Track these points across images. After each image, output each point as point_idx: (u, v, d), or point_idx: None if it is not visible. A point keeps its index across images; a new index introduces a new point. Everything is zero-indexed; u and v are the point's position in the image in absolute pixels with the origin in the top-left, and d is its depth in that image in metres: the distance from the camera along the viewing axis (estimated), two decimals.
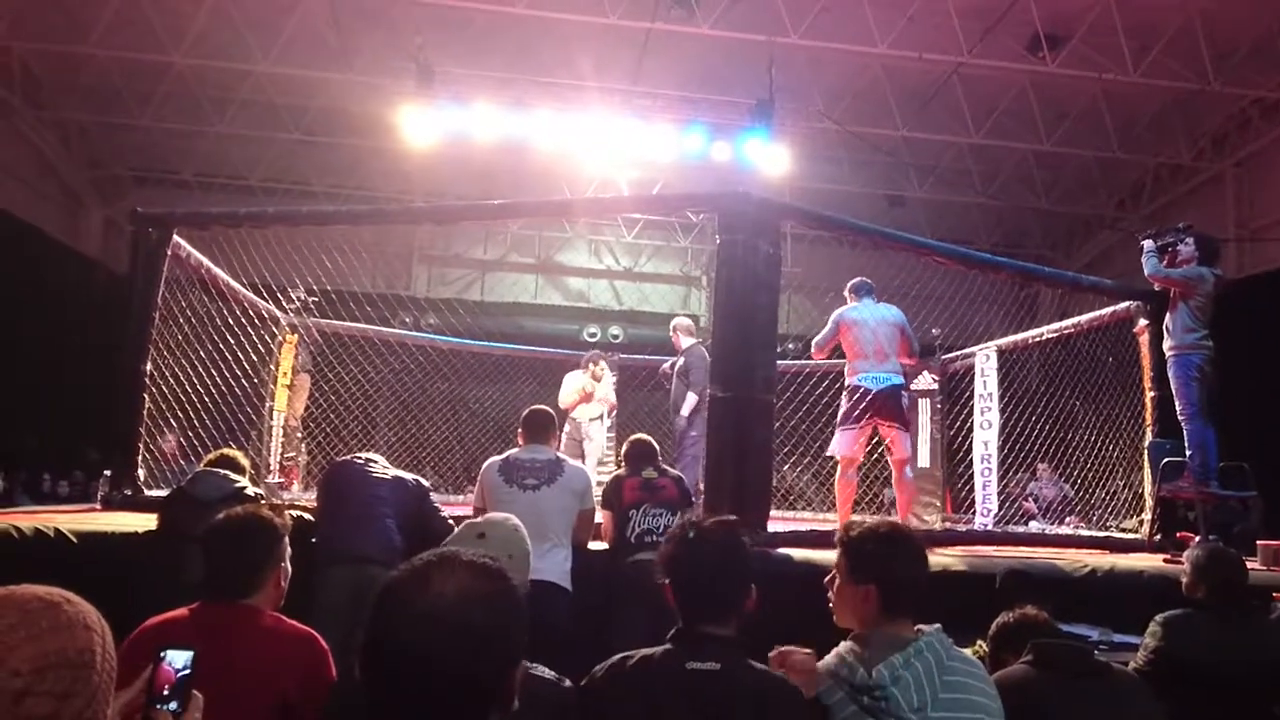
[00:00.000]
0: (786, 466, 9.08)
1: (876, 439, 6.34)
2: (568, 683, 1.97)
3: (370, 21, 11.15)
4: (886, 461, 6.52)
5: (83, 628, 1.16)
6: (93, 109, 12.96)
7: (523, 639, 1.26)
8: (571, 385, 9.04)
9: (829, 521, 7.37)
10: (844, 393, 6.21)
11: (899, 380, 6.10)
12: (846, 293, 6.48)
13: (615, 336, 15.33)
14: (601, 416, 9.14)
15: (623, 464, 4.81)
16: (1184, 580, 3.41)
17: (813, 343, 6.37)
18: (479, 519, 2.31)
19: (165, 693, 1.30)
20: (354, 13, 10.98)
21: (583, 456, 8.82)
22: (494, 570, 1.25)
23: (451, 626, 1.14)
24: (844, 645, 2.09)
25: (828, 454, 6.41)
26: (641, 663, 1.94)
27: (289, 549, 2.52)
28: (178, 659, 1.33)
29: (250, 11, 10.92)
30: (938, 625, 2.09)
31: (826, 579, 2.23)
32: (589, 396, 8.98)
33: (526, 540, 2.25)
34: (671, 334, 8.09)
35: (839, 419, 6.16)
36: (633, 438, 4.91)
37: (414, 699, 1.14)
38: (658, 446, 4.92)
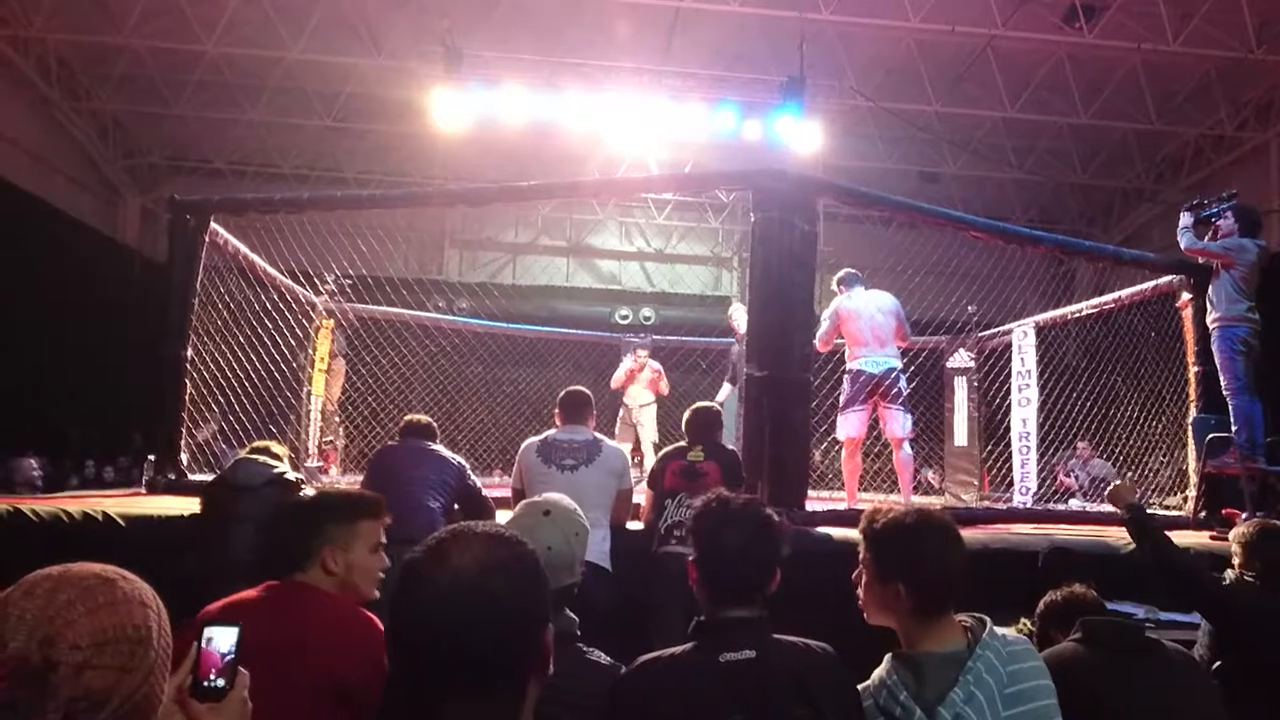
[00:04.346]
0: (822, 447, 9.02)
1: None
2: (623, 668, 1.94)
3: (398, 6, 11.17)
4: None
5: (139, 604, 1.17)
6: (128, 99, 13.12)
7: (547, 604, 1.26)
8: (622, 367, 9.38)
9: (864, 501, 7.33)
10: (845, 378, 6.44)
11: (896, 364, 6.36)
12: (836, 285, 6.69)
13: (647, 318, 15.34)
14: (653, 404, 9.27)
15: (684, 431, 4.70)
16: (1234, 559, 3.34)
17: (816, 337, 6.49)
18: (539, 498, 2.29)
19: (212, 671, 1.31)
20: None
21: (638, 441, 9.02)
22: (510, 538, 1.26)
23: (475, 597, 1.15)
24: (889, 669, 1.90)
25: (834, 438, 6.61)
26: (670, 663, 1.85)
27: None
28: (224, 637, 1.33)
29: None
30: (987, 622, 1.92)
31: (854, 575, 2.08)
32: (633, 376, 9.17)
33: (586, 521, 2.25)
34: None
35: (842, 403, 6.41)
36: (695, 406, 4.75)
37: (449, 673, 1.14)
38: (721, 416, 4.77)
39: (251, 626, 1.96)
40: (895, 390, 6.28)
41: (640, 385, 9.24)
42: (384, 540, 2.57)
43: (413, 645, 1.17)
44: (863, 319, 6.32)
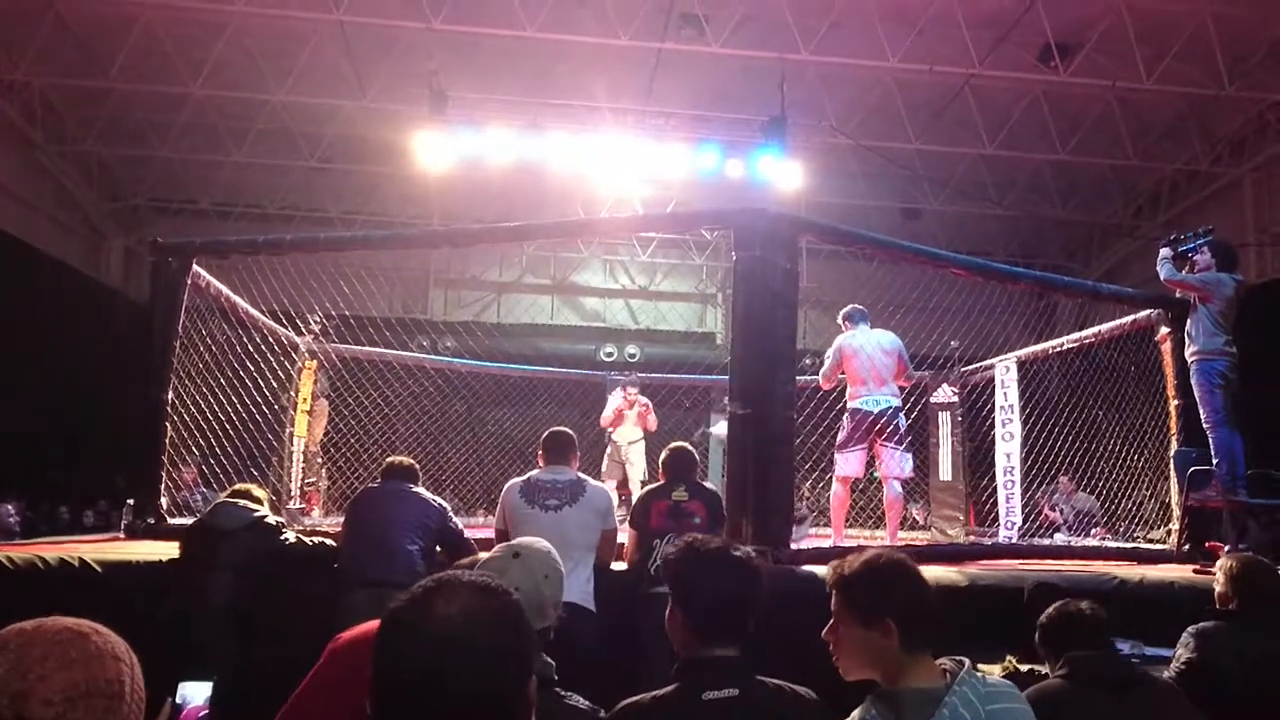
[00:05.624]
0: (807, 485, 9.01)
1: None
2: (602, 713, 1.94)
3: (383, 48, 11.26)
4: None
5: (112, 658, 1.16)
6: (113, 141, 13.14)
7: (532, 653, 1.25)
8: (609, 405, 9.34)
9: (851, 538, 7.34)
10: (845, 416, 6.49)
11: (896, 403, 6.43)
12: (841, 320, 6.73)
13: (632, 355, 15.34)
14: (641, 440, 9.19)
15: (660, 473, 4.73)
16: (1216, 590, 3.35)
17: (820, 374, 6.66)
18: (513, 541, 2.29)
19: None
20: (367, 40, 11.09)
21: (625, 479, 8.99)
22: (495, 588, 1.24)
23: (459, 649, 1.13)
24: (867, 706, 1.89)
25: (835, 476, 6.61)
26: (655, 702, 1.87)
27: None
28: (197, 692, 1.33)
29: (265, 42, 11.05)
30: (966, 662, 1.93)
31: (825, 632, 2.03)
32: (621, 414, 9.12)
33: (559, 561, 2.24)
34: None
35: (841, 441, 6.48)
36: (672, 445, 4.78)
37: None
38: (696, 456, 4.81)
39: None
40: (894, 429, 6.33)
41: (629, 423, 9.16)
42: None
43: (395, 697, 1.15)
44: (862, 357, 6.37)
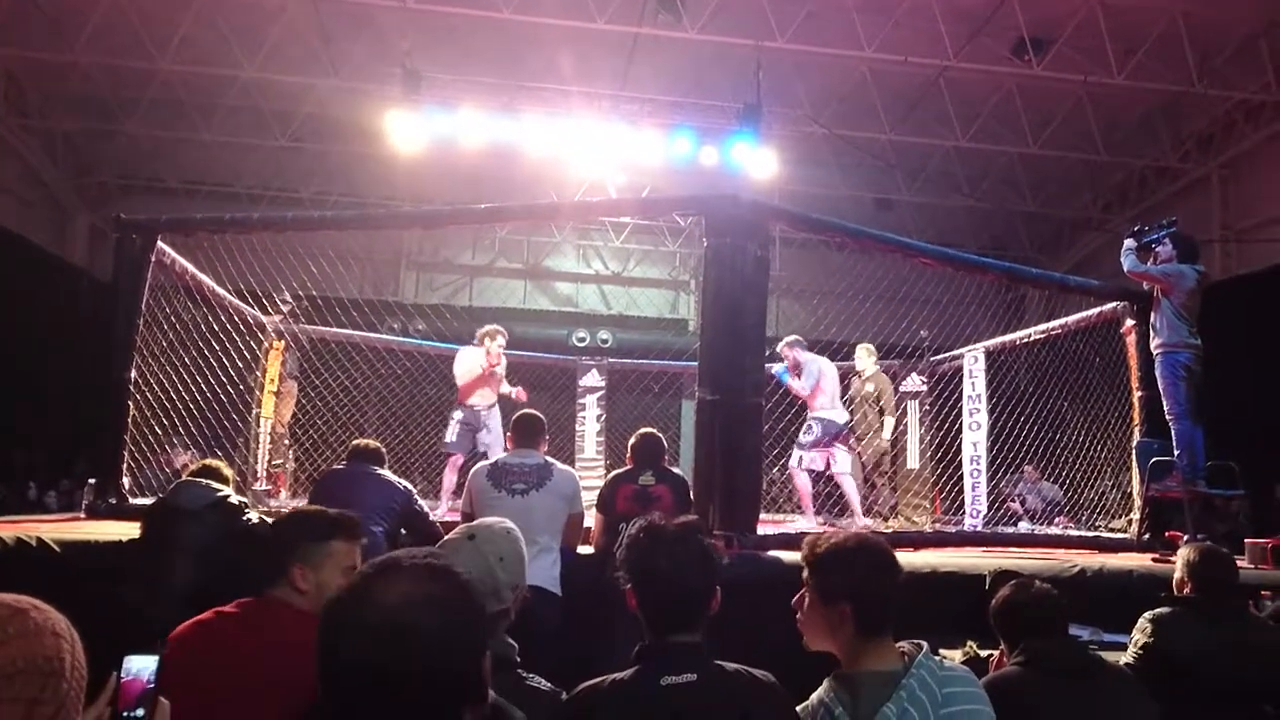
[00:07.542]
0: (776, 469, 9.04)
1: None
2: (564, 694, 1.94)
3: (357, 27, 11.13)
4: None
5: (51, 634, 1.14)
6: (78, 117, 12.91)
7: (479, 632, 1.25)
8: (469, 361, 7.95)
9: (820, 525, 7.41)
10: (815, 422, 7.62)
11: (848, 417, 7.98)
12: (789, 348, 7.71)
13: (604, 341, 15.31)
14: (497, 405, 8.13)
15: (629, 457, 4.74)
16: (1175, 577, 3.40)
17: (805, 386, 7.54)
18: (472, 523, 2.28)
19: (133, 701, 1.28)
20: (340, 19, 10.96)
21: (475, 447, 7.91)
22: (438, 569, 1.24)
23: (398, 633, 1.13)
24: (827, 689, 1.95)
25: (802, 468, 7.69)
26: (614, 686, 1.86)
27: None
28: (143, 666, 1.30)
29: (236, 18, 10.89)
30: (924, 645, 1.97)
31: (795, 600, 2.11)
32: (490, 374, 7.97)
33: (520, 542, 2.22)
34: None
35: (811, 443, 7.59)
36: (642, 431, 4.79)
37: (377, 710, 1.13)
38: (665, 442, 4.80)
39: (228, 644, 1.92)
40: (848, 437, 7.89)
41: (490, 386, 8.03)
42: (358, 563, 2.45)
43: (339, 682, 1.15)
44: (828, 378, 7.67)
